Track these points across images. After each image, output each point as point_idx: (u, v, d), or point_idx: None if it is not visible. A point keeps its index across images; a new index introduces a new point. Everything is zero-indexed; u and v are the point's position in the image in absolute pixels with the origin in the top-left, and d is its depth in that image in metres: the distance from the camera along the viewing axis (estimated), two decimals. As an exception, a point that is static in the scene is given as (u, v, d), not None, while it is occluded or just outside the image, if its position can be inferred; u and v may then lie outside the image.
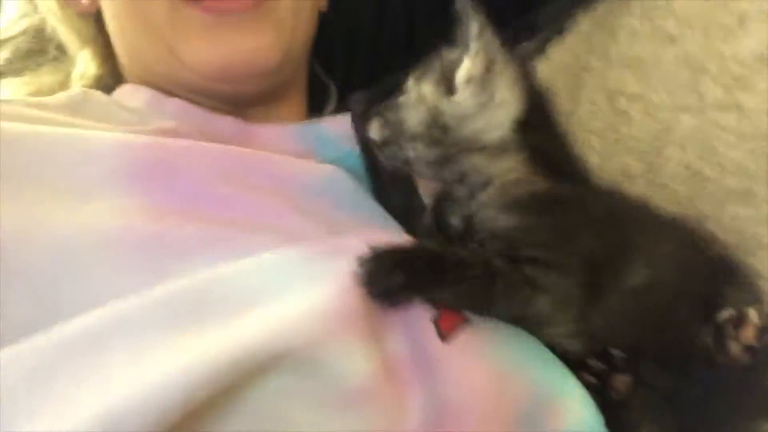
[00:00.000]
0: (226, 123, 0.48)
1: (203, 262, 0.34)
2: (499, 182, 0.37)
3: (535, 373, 0.35)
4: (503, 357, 0.35)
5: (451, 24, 0.57)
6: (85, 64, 0.54)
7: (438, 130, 0.37)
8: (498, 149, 0.37)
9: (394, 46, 0.59)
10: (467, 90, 0.36)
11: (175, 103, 0.48)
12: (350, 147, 0.48)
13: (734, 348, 0.35)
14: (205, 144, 0.41)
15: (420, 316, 0.34)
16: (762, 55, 0.40)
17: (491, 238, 0.36)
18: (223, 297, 0.33)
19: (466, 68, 0.36)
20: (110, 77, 0.54)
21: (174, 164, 0.39)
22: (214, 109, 0.49)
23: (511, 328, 0.36)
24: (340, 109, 0.58)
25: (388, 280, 0.33)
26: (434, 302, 0.35)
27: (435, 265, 0.34)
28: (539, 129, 0.39)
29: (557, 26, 0.56)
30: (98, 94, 0.49)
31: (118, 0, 0.48)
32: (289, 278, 0.34)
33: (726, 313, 0.35)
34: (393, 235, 0.42)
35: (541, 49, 0.57)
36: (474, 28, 0.36)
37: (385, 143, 0.39)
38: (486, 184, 0.37)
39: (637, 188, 0.46)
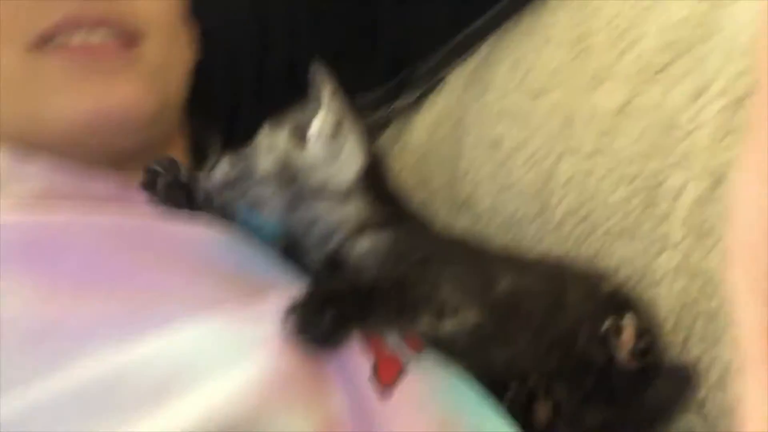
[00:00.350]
0: (103, 185, 0.43)
1: (109, 344, 0.31)
2: (345, 228, 0.39)
3: (475, 419, 0.35)
4: (444, 405, 0.35)
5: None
6: None
7: (287, 176, 0.39)
8: (343, 196, 0.40)
9: (278, 92, 0.59)
10: (317, 143, 0.39)
11: (39, 165, 0.42)
12: None
13: (621, 355, 0.38)
14: (87, 212, 0.38)
15: (358, 370, 0.34)
16: (621, 109, 0.45)
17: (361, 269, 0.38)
18: (138, 383, 0.30)
19: (317, 125, 0.40)
20: None
21: (56, 239, 0.35)
22: (89, 164, 0.43)
23: (447, 372, 0.36)
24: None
25: (322, 321, 0.33)
26: (368, 334, 0.35)
27: (356, 295, 0.35)
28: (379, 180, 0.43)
29: (431, 82, 0.59)
30: None
31: None
32: (212, 352, 0.32)
33: (606, 323, 0.38)
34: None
35: (417, 105, 0.60)
36: (326, 90, 0.40)
37: (228, 185, 0.40)
38: (332, 232, 0.39)
39: (531, 232, 0.49)
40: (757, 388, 0.18)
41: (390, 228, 0.40)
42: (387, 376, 0.34)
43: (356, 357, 0.34)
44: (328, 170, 0.39)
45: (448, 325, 0.36)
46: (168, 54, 0.47)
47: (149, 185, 0.41)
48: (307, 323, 0.33)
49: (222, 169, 0.40)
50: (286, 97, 0.59)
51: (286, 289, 0.37)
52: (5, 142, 0.43)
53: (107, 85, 0.42)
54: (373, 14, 0.56)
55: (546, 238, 0.48)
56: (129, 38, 0.44)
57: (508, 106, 0.53)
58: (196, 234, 0.39)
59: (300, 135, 0.40)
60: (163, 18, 0.47)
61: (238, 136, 0.59)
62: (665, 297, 0.40)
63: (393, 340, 0.37)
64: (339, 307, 0.34)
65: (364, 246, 0.39)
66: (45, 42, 0.41)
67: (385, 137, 0.61)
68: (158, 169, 0.42)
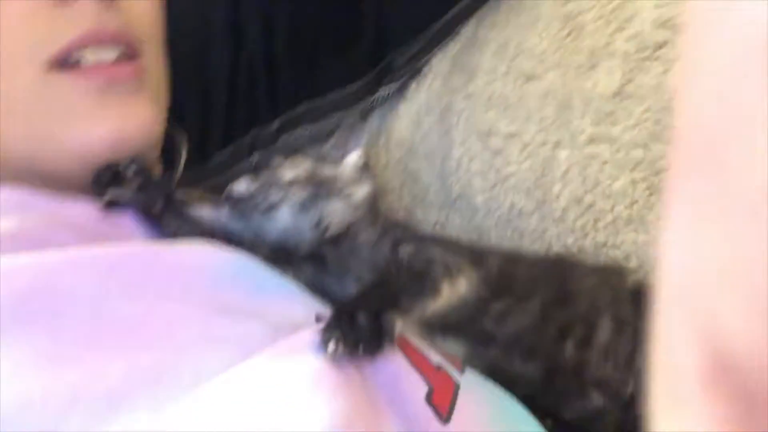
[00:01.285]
0: (78, 210, 0.39)
1: (146, 407, 0.27)
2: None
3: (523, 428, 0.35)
4: (500, 420, 0.34)
5: (309, 72, 0.55)
6: None
7: (314, 180, 0.41)
8: (353, 207, 0.42)
9: (255, 88, 0.56)
10: (349, 166, 0.44)
11: (9, 193, 0.38)
12: None
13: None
14: (77, 251, 0.34)
15: (413, 394, 0.32)
16: (620, 91, 0.43)
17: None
18: None
19: (355, 156, 0.45)
20: None
21: (53, 288, 0.31)
22: (58, 191, 0.40)
23: (491, 388, 0.36)
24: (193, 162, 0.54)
25: (358, 325, 0.32)
26: (412, 355, 0.34)
27: (376, 291, 0.36)
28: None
29: (414, 68, 0.56)
30: None
31: None
32: (262, 404, 0.28)
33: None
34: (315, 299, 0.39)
35: (401, 92, 0.57)
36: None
37: (247, 197, 0.40)
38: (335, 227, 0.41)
39: (532, 225, 0.47)
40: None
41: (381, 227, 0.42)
42: (443, 398, 0.33)
43: (408, 381, 0.33)
44: (350, 186, 0.42)
45: (462, 285, 0.37)
46: (162, 65, 0.46)
47: (101, 184, 0.41)
48: (346, 335, 0.31)
49: (243, 185, 0.41)
50: (264, 92, 0.57)
51: (308, 304, 0.35)
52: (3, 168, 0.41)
53: (125, 109, 0.41)
54: (353, 3, 0.53)
55: (549, 230, 0.46)
56: (133, 52, 0.42)
57: (498, 92, 0.50)
58: (203, 261, 0.36)
59: (327, 160, 0.44)
60: (155, 27, 0.46)
61: (214, 133, 0.56)
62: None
63: (437, 359, 0.35)
64: (367, 306, 0.34)
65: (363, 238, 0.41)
66: (62, 62, 0.39)
67: (370, 130, 0.58)
68: (127, 169, 0.41)
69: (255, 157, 0.57)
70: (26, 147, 0.40)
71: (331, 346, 0.30)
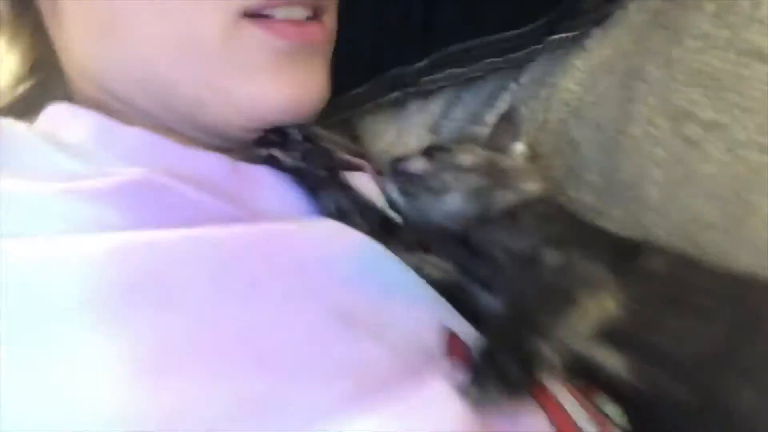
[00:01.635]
0: (212, 163, 0.35)
1: None
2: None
3: None
4: None
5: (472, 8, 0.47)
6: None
7: (492, 170, 0.38)
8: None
9: (403, 29, 0.48)
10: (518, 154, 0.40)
11: (137, 136, 0.35)
12: None
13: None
14: (197, 232, 0.28)
15: None
16: None
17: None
18: None
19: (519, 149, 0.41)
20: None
21: (166, 276, 0.26)
22: (189, 142, 0.37)
23: None
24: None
25: (508, 371, 0.28)
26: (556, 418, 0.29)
27: (519, 323, 0.31)
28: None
29: (600, 13, 0.46)
30: (13, 125, 0.35)
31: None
32: None
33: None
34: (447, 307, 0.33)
35: (579, 40, 0.47)
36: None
37: (417, 177, 0.37)
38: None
39: (710, 239, 0.38)
40: None
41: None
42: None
43: None
44: (522, 180, 0.38)
45: (610, 305, 0.32)
46: (335, 22, 0.41)
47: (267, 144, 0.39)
48: (490, 380, 0.27)
49: (419, 163, 0.38)
50: (418, 27, 0.49)
51: (426, 316, 0.31)
52: (100, 104, 0.37)
53: (308, 73, 0.38)
54: None
55: (740, 256, 0.37)
56: (319, 12, 0.38)
57: (711, 66, 0.40)
58: (331, 249, 0.31)
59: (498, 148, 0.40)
60: None
61: (359, 67, 0.49)
62: None
63: (582, 419, 0.30)
64: (510, 339, 0.30)
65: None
66: (254, 13, 0.35)
67: (522, 87, 0.49)
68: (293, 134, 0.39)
69: (394, 94, 0.50)
70: (195, 93, 0.36)
71: (475, 393, 0.25)
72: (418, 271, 0.35)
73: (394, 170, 0.38)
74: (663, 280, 0.34)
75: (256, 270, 0.27)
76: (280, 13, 0.36)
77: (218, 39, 0.34)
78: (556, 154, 0.47)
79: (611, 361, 0.32)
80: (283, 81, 0.36)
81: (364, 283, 0.30)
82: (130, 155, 0.34)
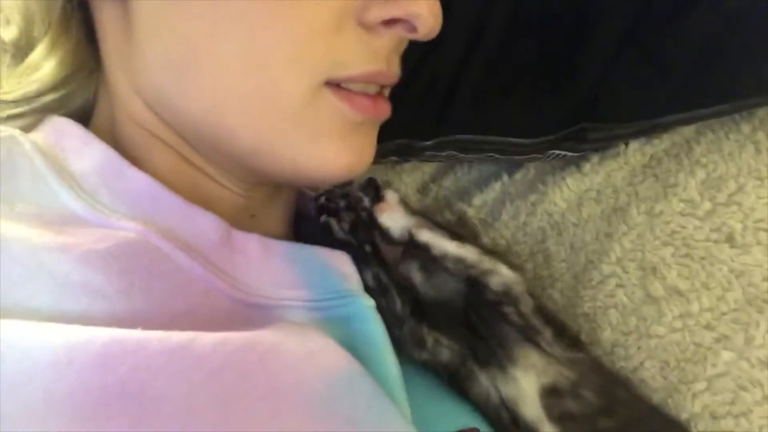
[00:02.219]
0: (209, 226, 0.36)
1: None
2: None
3: None
4: None
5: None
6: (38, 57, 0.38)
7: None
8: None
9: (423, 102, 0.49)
10: None
11: (142, 183, 0.35)
12: (354, 287, 0.38)
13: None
14: (178, 336, 0.29)
15: None
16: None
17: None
18: None
19: None
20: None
21: (144, 387, 0.26)
22: (200, 177, 0.38)
23: None
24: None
25: None
26: None
27: None
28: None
29: (606, 145, 0.48)
30: (19, 141, 0.35)
31: (229, 42, 0.34)
32: None
33: None
34: None
35: (575, 161, 0.49)
36: None
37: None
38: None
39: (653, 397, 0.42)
40: None
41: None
42: None
43: None
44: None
45: None
46: None
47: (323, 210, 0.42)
48: None
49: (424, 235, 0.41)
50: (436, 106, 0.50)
51: None
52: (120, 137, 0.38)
53: (365, 144, 0.39)
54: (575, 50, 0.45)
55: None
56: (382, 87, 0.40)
57: (688, 232, 0.43)
58: (306, 373, 0.31)
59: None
60: None
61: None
62: None
63: None
64: None
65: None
66: (337, 83, 0.36)
67: (513, 183, 0.52)
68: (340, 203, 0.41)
69: (393, 158, 0.51)
70: (255, 144, 0.36)
71: None
72: (435, 348, 0.39)
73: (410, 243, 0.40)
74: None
75: (230, 391, 0.28)
76: (357, 87, 0.37)
77: (298, 102, 0.35)
78: (529, 258, 0.50)
79: None
80: (346, 149, 0.37)
81: (333, 412, 0.32)
82: (131, 201, 0.34)
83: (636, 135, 0.46)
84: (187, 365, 0.29)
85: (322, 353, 0.34)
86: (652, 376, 0.42)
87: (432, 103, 0.49)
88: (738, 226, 0.42)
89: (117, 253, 0.31)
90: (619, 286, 0.45)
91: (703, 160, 0.45)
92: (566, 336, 0.42)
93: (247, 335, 0.32)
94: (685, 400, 0.40)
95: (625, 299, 0.44)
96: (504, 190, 0.52)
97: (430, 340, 0.42)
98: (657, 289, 0.43)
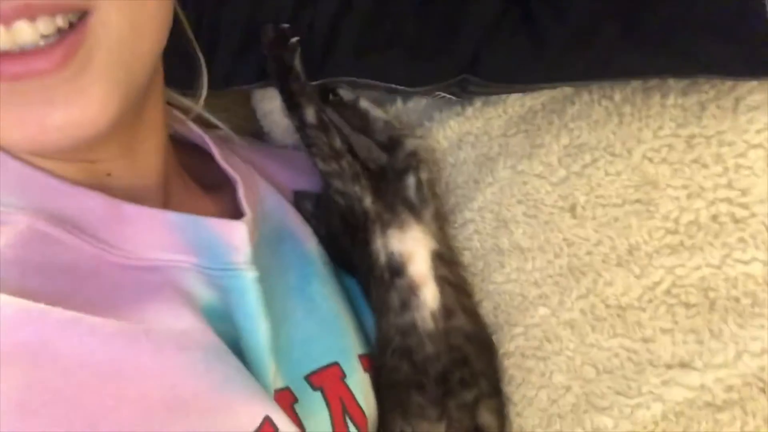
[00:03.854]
0: (93, 202, 0.39)
1: None
2: None
3: None
4: None
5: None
6: None
7: None
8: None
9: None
10: None
11: (17, 172, 0.37)
12: (240, 260, 0.41)
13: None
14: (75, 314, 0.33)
15: None
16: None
17: None
18: None
19: None
20: None
21: (43, 351, 0.32)
22: (62, 171, 0.39)
23: None
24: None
25: None
26: None
27: None
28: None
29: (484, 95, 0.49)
30: None
31: None
32: None
33: None
34: None
35: (459, 104, 0.51)
36: None
37: None
38: None
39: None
40: None
41: None
42: None
43: None
44: None
45: None
46: (129, 39, 0.36)
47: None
48: None
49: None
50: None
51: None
52: None
53: (47, 107, 0.34)
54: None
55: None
56: (80, 15, 0.34)
57: (539, 195, 0.47)
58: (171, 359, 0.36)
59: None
60: None
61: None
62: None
63: None
64: None
65: None
66: None
67: (407, 110, 0.53)
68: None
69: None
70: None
71: None
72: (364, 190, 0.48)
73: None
74: None
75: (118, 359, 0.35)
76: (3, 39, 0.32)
77: None
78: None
79: None
80: (14, 122, 0.34)
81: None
82: (21, 192, 0.38)
83: (510, 91, 0.47)
84: (82, 331, 0.34)
85: (191, 333, 0.38)
86: (485, 314, 0.49)
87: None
88: (582, 199, 0.45)
89: (11, 245, 0.35)
90: (476, 232, 0.50)
91: (571, 125, 0.46)
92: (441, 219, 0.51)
93: (122, 325, 0.37)
94: (505, 338, 0.47)
95: (477, 245, 0.49)
96: (397, 115, 0.54)
97: (363, 179, 0.49)
98: (504, 242, 0.48)
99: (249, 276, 0.42)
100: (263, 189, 0.51)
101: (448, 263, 0.48)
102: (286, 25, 0.47)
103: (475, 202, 0.49)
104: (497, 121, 0.49)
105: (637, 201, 0.43)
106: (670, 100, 0.43)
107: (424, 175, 0.50)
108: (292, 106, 0.48)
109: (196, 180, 0.51)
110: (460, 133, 0.51)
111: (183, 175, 0.51)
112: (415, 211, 0.49)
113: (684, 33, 0.40)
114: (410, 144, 0.51)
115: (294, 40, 0.47)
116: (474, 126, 0.50)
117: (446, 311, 0.47)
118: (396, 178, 0.50)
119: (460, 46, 0.45)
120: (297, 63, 0.47)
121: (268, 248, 0.48)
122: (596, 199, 0.45)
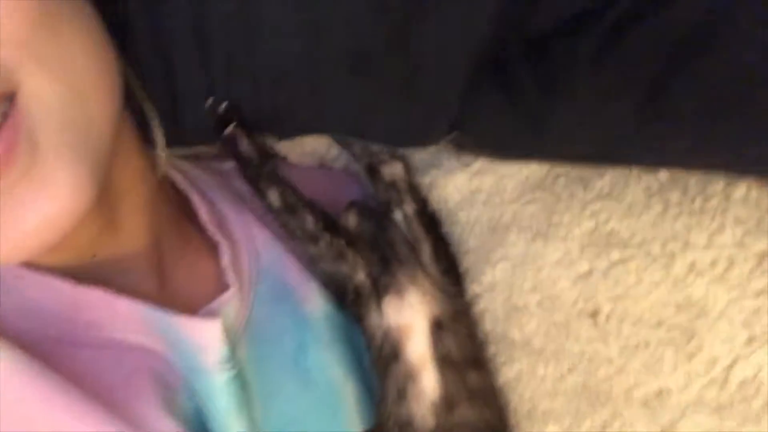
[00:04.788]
0: (50, 292, 0.37)
1: None
2: None
3: None
4: None
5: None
6: None
7: None
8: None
9: None
10: None
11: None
12: (210, 360, 0.38)
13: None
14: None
15: None
16: None
17: None
18: None
19: None
20: None
21: None
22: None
23: None
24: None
25: None
26: None
27: None
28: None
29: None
30: None
31: None
32: None
33: None
34: None
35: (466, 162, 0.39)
36: None
37: None
38: None
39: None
40: None
41: None
42: None
43: None
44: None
45: None
46: (67, 83, 0.30)
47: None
48: None
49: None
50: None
51: None
52: None
53: (17, 213, 0.30)
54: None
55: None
56: (9, 99, 0.29)
57: (551, 282, 0.36)
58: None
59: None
60: (26, 36, 0.28)
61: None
62: None
63: None
64: None
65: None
66: None
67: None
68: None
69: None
70: None
71: None
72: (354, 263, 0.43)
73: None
74: None
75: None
76: None
77: None
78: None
79: None
80: None
81: None
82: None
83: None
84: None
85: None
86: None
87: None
88: (606, 307, 0.34)
89: None
90: (486, 311, 0.40)
91: (598, 204, 0.34)
92: (443, 258, 0.43)
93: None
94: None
95: (489, 327, 0.40)
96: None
97: (349, 254, 0.44)
98: (515, 334, 0.38)
99: (219, 379, 0.38)
100: (261, 242, 0.46)
101: (452, 324, 0.41)
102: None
103: (484, 277, 0.40)
104: (510, 181, 0.38)
105: (677, 328, 0.31)
106: (739, 192, 0.29)
107: (408, 209, 0.42)
108: (256, 192, 0.41)
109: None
110: (471, 188, 0.40)
111: (180, 222, 0.47)
112: (413, 257, 0.42)
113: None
114: (387, 174, 0.43)
115: (231, 127, 0.38)
116: (485, 183, 0.39)
117: (448, 403, 0.41)
118: (385, 217, 0.43)
119: (445, 105, 0.34)
120: (245, 148, 0.39)
121: (263, 309, 0.44)
122: (623, 312, 0.34)
